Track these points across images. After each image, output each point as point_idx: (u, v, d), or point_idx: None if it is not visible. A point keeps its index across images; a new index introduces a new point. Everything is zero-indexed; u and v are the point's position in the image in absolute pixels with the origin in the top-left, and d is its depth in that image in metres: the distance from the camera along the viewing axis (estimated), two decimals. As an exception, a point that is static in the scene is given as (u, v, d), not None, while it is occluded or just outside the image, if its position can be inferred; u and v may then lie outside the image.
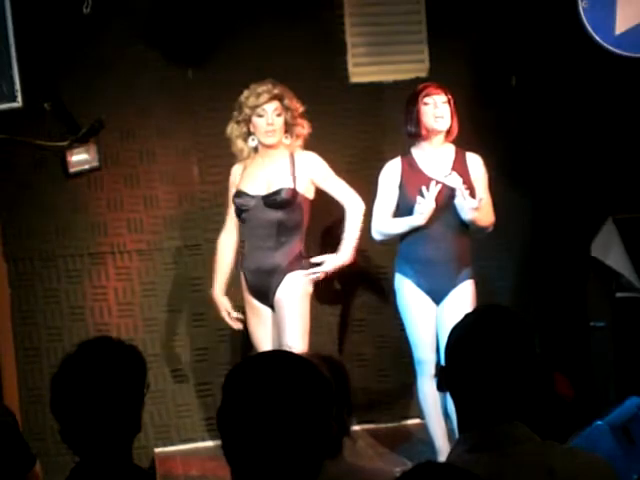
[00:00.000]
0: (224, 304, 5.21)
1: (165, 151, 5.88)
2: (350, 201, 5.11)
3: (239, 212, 5.11)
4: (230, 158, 5.51)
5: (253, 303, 5.15)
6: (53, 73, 5.63)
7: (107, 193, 5.83)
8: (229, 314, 5.20)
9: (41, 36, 5.60)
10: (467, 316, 2.40)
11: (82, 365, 2.58)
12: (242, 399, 1.85)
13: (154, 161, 5.88)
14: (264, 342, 5.11)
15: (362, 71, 5.99)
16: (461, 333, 2.33)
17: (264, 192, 5.04)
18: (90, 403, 2.52)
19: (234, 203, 5.12)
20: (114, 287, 5.87)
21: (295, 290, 5.06)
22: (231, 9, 5.81)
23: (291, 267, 5.06)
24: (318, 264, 5.07)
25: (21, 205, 5.74)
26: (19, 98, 5.22)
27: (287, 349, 4.84)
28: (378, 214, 5.18)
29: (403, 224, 5.11)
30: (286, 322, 5.03)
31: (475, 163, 5.15)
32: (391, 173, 5.17)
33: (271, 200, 5.01)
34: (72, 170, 5.70)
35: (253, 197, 5.05)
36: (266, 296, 5.08)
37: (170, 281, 5.95)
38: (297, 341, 4.97)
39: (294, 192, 5.01)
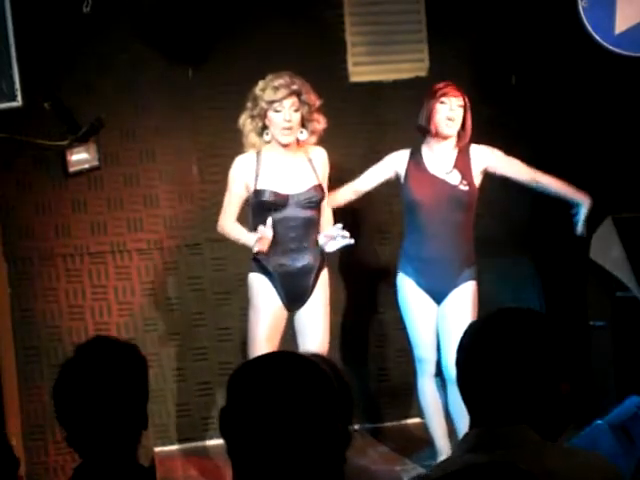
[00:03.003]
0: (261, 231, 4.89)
1: (165, 150, 5.88)
2: (329, 212, 5.15)
3: (265, 211, 4.90)
4: (230, 157, 5.51)
5: (276, 309, 4.98)
6: (53, 72, 5.63)
7: (107, 192, 5.83)
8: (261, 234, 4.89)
9: (41, 36, 5.60)
10: (488, 316, 2.37)
11: (82, 369, 2.57)
12: (247, 400, 1.85)
13: (154, 160, 5.88)
14: (272, 347, 4.88)
15: (362, 70, 5.99)
16: (479, 331, 2.32)
17: (295, 191, 4.92)
18: (95, 406, 2.51)
19: (261, 201, 4.90)
20: (114, 286, 5.87)
21: (327, 289, 5.06)
22: (231, 9, 5.81)
23: (322, 265, 5.04)
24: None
25: (21, 205, 5.74)
26: (19, 97, 5.22)
27: (315, 348, 4.84)
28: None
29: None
30: (317, 323, 5.00)
31: (477, 154, 5.14)
32: (397, 160, 5.16)
33: (306, 199, 4.91)
34: (72, 169, 5.70)
35: (285, 195, 4.90)
36: (300, 297, 4.99)
37: (170, 280, 5.95)
38: (325, 340, 4.99)
39: (322, 188, 4.99)
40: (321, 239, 4.97)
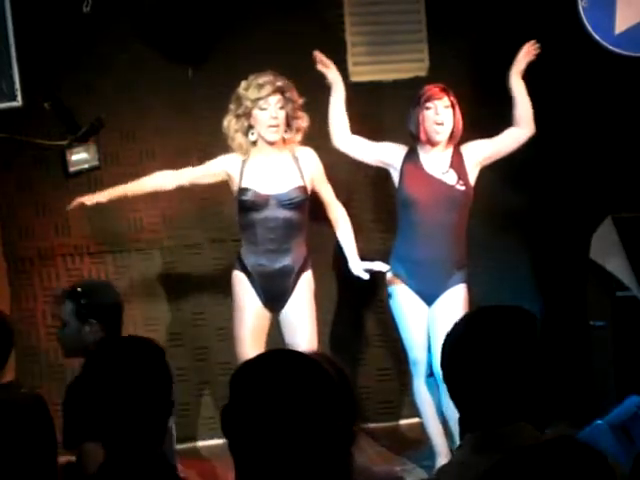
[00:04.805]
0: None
1: (165, 150, 5.87)
2: (338, 207, 5.13)
3: (246, 210, 4.95)
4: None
5: (257, 309, 5.00)
6: (53, 72, 5.63)
7: (107, 192, 5.83)
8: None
9: (41, 36, 5.60)
10: (464, 318, 2.39)
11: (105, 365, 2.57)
12: (249, 398, 1.85)
13: (154, 160, 5.88)
14: (259, 351, 4.78)
15: (362, 70, 6.00)
16: (460, 334, 2.33)
17: (276, 191, 4.92)
18: (119, 400, 2.50)
19: (242, 200, 4.94)
20: (114, 286, 5.86)
21: (310, 291, 5.05)
22: (231, 8, 5.81)
23: (304, 267, 5.03)
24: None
25: (21, 205, 5.75)
26: (19, 97, 5.22)
27: (302, 348, 4.82)
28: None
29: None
30: (303, 324, 4.99)
31: (468, 151, 5.14)
32: (396, 152, 5.15)
33: (287, 199, 4.91)
34: (72, 169, 5.70)
35: (266, 196, 4.92)
36: (279, 298, 5.00)
37: (170, 280, 5.95)
38: (313, 340, 4.97)
39: (306, 190, 4.98)
40: (357, 270, 5.07)
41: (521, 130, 5.16)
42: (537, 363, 2.29)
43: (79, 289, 4.13)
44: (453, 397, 2.32)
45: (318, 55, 5.10)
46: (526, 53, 5.17)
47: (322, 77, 5.41)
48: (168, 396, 2.60)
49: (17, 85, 5.20)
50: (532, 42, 5.17)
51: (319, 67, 5.12)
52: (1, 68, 5.18)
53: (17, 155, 5.71)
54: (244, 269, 5.00)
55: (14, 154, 5.70)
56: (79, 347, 4.06)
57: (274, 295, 4.99)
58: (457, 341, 2.32)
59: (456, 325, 2.36)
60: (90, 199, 5.07)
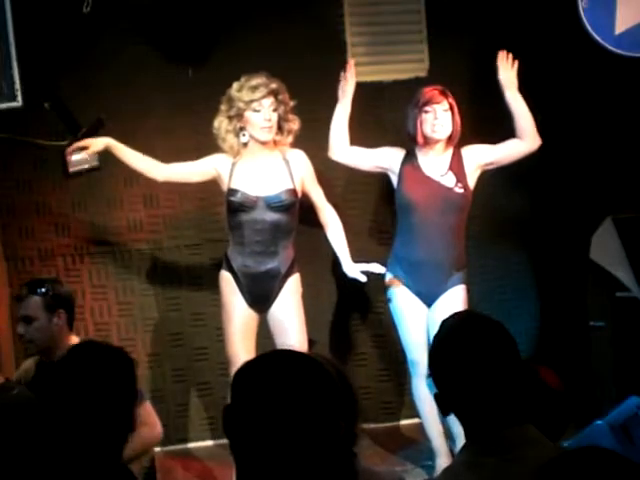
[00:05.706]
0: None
1: (165, 150, 5.86)
2: (329, 209, 5.14)
3: (235, 212, 4.97)
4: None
5: (243, 309, 5.01)
6: (53, 72, 5.63)
7: (107, 192, 5.83)
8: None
9: (41, 36, 5.60)
10: (438, 336, 2.38)
11: (71, 371, 2.59)
12: (251, 398, 1.85)
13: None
14: (249, 351, 4.88)
15: (362, 70, 5.97)
16: (442, 349, 2.33)
17: (265, 193, 4.94)
18: (81, 407, 2.52)
19: (230, 201, 4.98)
20: (114, 286, 5.87)
21: (297, 293, 5.04)
22: (231, 8, 5.81)
23: (291, 270, 5.03)
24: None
25: (21, 205, 5.75)
26: (19, 97, 5.22)
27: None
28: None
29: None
30: (291, 324, 4.99)
31: (469, 155, 5.14)
32: (394, 156, 5.16)
33: (276, 202, 4.93)
34: (72, 169, 5.70)
35: (254, 198, 4.94)
36: (265, 300, 5.01)
37: (169, 280, 5.95)
38: (303, 342, 4.95)
39: (295, 193, 4.99)
40: (352, 272, 5.08)
41: (525, 143, 5.16)
42: (520, 364, 2.29)
43: (44, 283, 4.35)
44: (457, 414, 2.31)
45: (353, 65, 5.20)
46: (502, 66, 5.14)
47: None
48: (131, 407, 2.61)
49: (17, 85, 5.20)
50: (502, 54, 5.14)
51: (347, 74, 5.17)
52: (1, 68, 5.18)
53: (17, 155, 5.71)
54: (231, 269, 5.03)
55: (14, 154, 5.70)
56: (49, 340, 4.26)
57: (259, 296, 5.01)
58: (442, 346, 2.32)
59: (437, 333, 2.37)
60: (89, 144, 5.11)
